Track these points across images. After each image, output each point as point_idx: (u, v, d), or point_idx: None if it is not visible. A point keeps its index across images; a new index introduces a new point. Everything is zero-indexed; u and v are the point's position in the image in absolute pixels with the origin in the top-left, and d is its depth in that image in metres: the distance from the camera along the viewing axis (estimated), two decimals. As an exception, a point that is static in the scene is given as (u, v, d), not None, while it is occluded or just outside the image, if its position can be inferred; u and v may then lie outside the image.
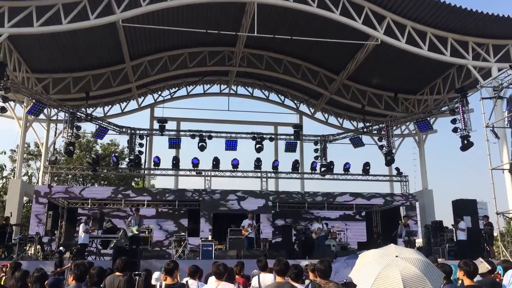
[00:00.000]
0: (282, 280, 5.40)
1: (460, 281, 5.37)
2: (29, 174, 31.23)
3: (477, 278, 5.89)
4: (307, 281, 6.44)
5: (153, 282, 7.47)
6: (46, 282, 6.30)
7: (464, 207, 17.37)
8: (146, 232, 16.90)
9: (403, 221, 17.81)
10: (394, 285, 2.73)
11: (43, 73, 20.71)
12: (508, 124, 15.31)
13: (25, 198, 21.96)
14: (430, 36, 16.83)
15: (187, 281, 6.60)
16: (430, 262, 3.05)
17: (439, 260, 11.39)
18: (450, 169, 75.88)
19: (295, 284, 5.30)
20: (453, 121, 18.75)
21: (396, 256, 2.92)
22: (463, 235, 15.66)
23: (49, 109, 21.85)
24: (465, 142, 18.27)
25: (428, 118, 20.85)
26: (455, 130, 18.66)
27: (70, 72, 21.03)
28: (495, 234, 17.29)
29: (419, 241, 21.18)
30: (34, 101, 18.15)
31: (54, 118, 22.73)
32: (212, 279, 7.63)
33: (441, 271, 3.24)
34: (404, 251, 3.13)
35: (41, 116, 20.80)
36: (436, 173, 70.41)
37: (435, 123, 22.59)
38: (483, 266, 5.57)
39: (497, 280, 6.13)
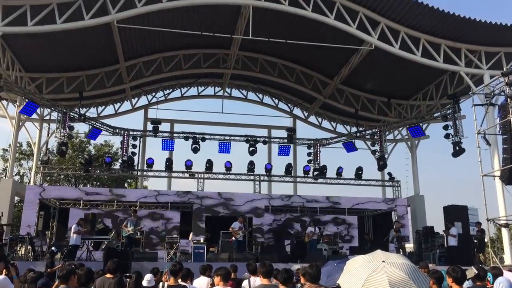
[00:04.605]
0: (268, 282, 5.38)
1: None
2: (21, 173, 31.08)
3: (468, 284, 5.95)
4: (298, 285, 6.46)
5: (144, 284, 7.45)
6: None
7: (455, 213, 17.47)
8: (138, 234, 16.83)
9: (394, 226, 17.89)
10: (381, 289, 2.77)
11: (37, 73, 20.62)
12: (500, 131, 15.41)
13: (16, 198, 21.81)
14: (423, 42, 16.97)
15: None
16: (415, 267, 3.11)
17: (430, 266, 11.44)
18: (442, 175, 76.24)
19: (283, 288, 5.30)
20: (445, 127, 18.89)
21: (383, 261, 2.97)
22: (454, 241, 15.73)
23: (42, 109, 21.74)
24: (457, 148, 18.41)
25: (421, 124, 20.99)
26: (447, 136, 18.79)
27: (64, 72, 20.96)
28: (485, 241, 17.39)
29: (410, 246, 21.27)
30: (27, 100, 18.03)
31: (47, 118, 22.64)
32: (203, 280, 7.63)
33: (427, 276, 3.29)
34: (390, 256, 3.19)
35: (34, 116, 20.70)
36: (428, 178, 70.82)
37: (428, 129, 22.76)
38: (470, 271, 5.65)
39: (487, 287, 6.18)
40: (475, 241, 16.36)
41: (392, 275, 2.86)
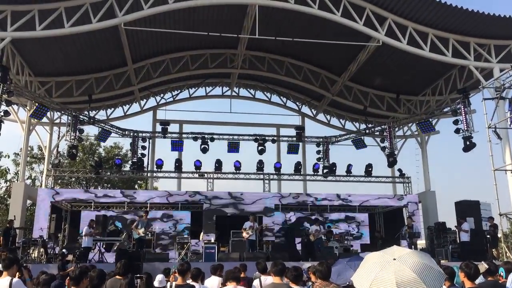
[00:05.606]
0: (280, 281, 5.38)
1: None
2: (32, 177, 31.32)
3: (480, 280, 5.88)
4: (309, 283, 6.45)
5: (156, 284, 7.48)
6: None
7: (467, 208, 17.33)
8: (149, 235, 16.90)
9: (406, 222, 17.78)
10: (387, 288, 2.73)
11: (46, 77, 20.79)
12: (510, 125, 15.26)
13: (28, 202, 22.01)
14: (431, 37, 16.82)
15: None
16: (429, 265, 2.99)
17: (442, 261, 11.36)
18: (453, 170, 75.39)
19: (294, 286, 5.29)
20: (455, 122, 18.70)
21: (394, 259, 2.91)
22: (466, 237, 15.60)
23: (52, 113, 21.93)
24: (468, 143, 18.23)
25: (430, 119, 20.81)
26: (457, 131, 18.61)
27: (73, 76, 21.11)
28: (498, 236, 17.22)
29: (422, 242, 21.12)
30: (37, 104, 18.22)
31: (57, 121, 22.79)
32: (214, 280, 7.64)
33: (443, 272, 3.19)
34: (404, 253, 3.10)
35: (44, 120, 20.88)
36: (438, 174, 70.02)
37: (437, 124, 22.60)
38: (481, 266, 5.60)
39: (499, 282, 6.12)
40: (488, 236, 16.20)
41: (400, 275, 2.79)
